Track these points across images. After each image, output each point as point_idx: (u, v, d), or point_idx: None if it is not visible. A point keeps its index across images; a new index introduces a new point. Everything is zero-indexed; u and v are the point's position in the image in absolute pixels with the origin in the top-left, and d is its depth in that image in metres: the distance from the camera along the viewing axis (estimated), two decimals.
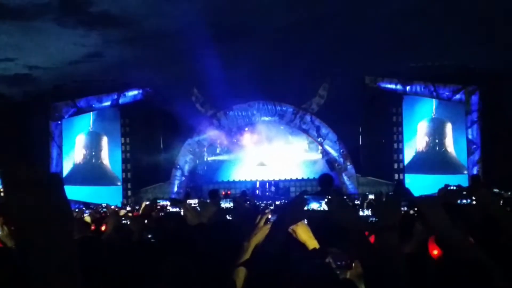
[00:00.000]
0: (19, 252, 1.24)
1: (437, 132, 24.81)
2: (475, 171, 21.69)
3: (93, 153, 26.36)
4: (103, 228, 6.69)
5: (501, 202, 4.14)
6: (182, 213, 5.35)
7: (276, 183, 25.93)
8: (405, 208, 4.30)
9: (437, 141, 24.86)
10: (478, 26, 16.49)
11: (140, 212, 8.62)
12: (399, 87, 23.54)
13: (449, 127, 24.69)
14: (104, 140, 26.45)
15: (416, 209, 2.89)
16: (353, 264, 2.95)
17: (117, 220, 6.06)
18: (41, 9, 16.46)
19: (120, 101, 24.53)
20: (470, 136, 22.44)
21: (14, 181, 1.22)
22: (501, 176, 18.31)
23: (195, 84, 24.67)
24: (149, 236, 4.58)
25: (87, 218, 7.95)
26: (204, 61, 18.68)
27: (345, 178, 24.78)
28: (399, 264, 2.52)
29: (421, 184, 21.05)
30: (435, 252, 3.12)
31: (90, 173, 25.96)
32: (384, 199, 2.92)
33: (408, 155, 24.85)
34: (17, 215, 1.20)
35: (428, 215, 2.57)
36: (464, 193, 3.37)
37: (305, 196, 3.34)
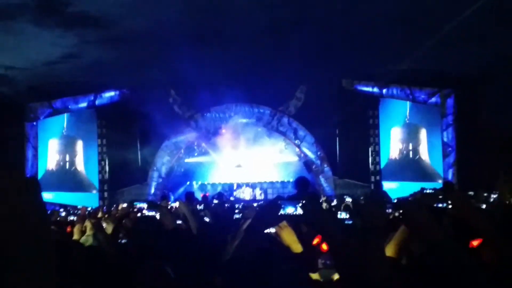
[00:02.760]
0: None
1: (410, 138, 24.72)
2: (450, 174, 21.96)
3: (67, 159, 25.65)
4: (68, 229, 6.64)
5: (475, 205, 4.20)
6: (158, 217, 5.33)
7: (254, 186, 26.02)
8: (390, 210, 4.35)
9: (410, 148, 24.73)
10: (453, 31, 16.66)
11: (117, 214, 8.57)
12: (375, 90, 23.75)
13: (423, 133, 24.60)
14: (79, 145, 25.81)
15: (401, 211, 2.93)
16: None
17: (84, 225, 6.04)
18: (17, 9, 16.23)
19: (97, 102, 24.39)
20: (445, 139, 22.69)
21: None
22: (475, 178, 18.55)
23: (172, 86, 24.65)
24: (124, 241, 4.57)
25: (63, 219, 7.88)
26: (182, 63, 18.61)
27: (322, 180, 24.90)
28: (384, 266, 2.55)
29: (394, 191, 21.04)
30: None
31: (63, 180, 25.21)
32: (366, 201, 2.97)
33: (383, 161, 24.90)
34: None
35: (414, 217, 2.60)
36: (440, 197, 3.42)
37: (279, 201, 3.37)
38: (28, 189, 1.24)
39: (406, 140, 24.79)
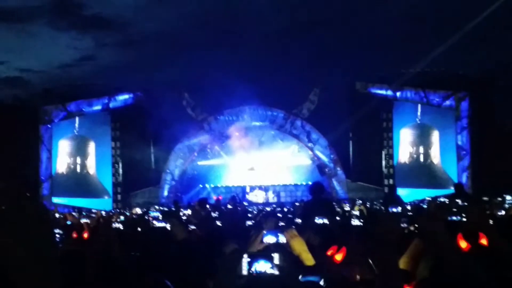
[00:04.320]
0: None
1: (422, 141, 24.10)
2: (464, 177, 21.78)
3: (78, 162, 25.39)
4: (85, 235, 6.62)
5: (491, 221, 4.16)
6: (168, 228, 5.31)
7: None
8: (405, 225, 4.32)
9: (421, 151, 24.07)
10: (468, 33, 16.57)
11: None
12: (389, 93, 23.60)
13: (435, 135, 23.93)
14: (91, 146, 25.50)
15: (416, 225, 2.91)
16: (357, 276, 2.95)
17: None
18: (34, 12, 16.41)
19: (111, 105, 24.42)
20: (459, 142, 22.51)
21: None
22: (490, 182, 18.40)
23: (186, 89, 24.65)
24: (133, 253, 4.57)
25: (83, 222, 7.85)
26: (195, 66, 18.67)
27: (335, 183, 24.82)
28: (397, 280, 2.54)
29: (404, 198, 20.34)
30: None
31: (74, 185, 24.90)
32: (381, 214, 2.95)
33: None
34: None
35: (430, 233, 2.58)
36: (454, 210, 3.39)
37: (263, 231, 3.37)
38: (35, 213, 1.24)
39: (417, 142, 24.20)
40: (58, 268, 1.27)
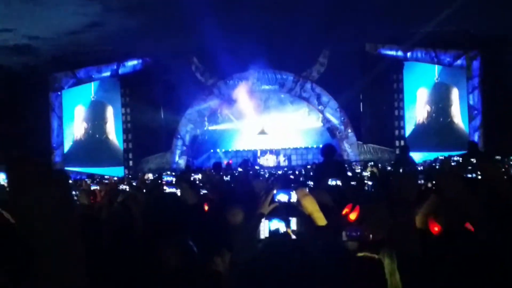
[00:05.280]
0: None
1: (440, 99, 23.67)
2: (476, 137, 21.67)
3: (96, 127, 25.47)
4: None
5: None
6: (179, 193, 5.31)
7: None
8: (422, 181, 4.31)
9: (441, 110, 23.60)
10: None
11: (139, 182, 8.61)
12: (399, 53, 23.42)
13: (455, 93, 23.38)
14: (109, 111, 25.48)
15: (434, 182, 2.90)
16: (370, 236, 2.94)
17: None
18: None
19: (120, 71, 24.42)
20: (471, 102, 22.36)
21: (19, 179, 1.20)
22: (502, 142, 18.34)
23: (195, 53, 24.57)
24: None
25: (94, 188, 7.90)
26: (204, 30, 18.54)
27: (346, 145, 24.81)
28: (414, 240, 2.54)
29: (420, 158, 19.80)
30: (436, 229, 3.14)
31: (93, 151, 24.93)
32: (397, 173, 2.93)
33: (408, 128, 24.18)
34: (23, 213, 1.19)
35: (450, 190, 2.56)
36: (470, 168, 3.37)
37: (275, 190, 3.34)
38: (57, 181, 1.23)
39: (436, 101, 23.77)
40: (80, 233, 1.26)
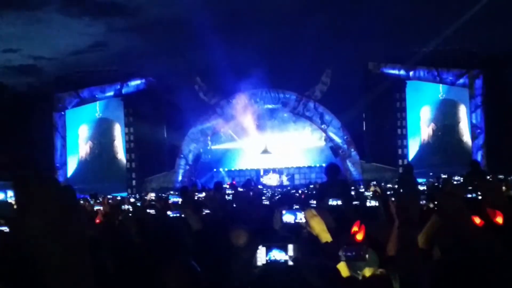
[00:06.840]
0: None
1: (446, 117, 23.62)
2: (479, 156, 21.63)
3: (104, 146, 25.50)
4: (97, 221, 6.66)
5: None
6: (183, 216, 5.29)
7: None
8: (424, 202, 4.31)
9: (447, 128, 23.53)
10: (481, 10, 16.41)
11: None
12: (402, 72, 23.46)
13: (463, 110, 23.14)
14: (117, 129, 25.41)
15: (436, 203, 2.90)
16: (367, 255, 2.94)
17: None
18: None
19: (123, 91, 24.49)
20: (474, 121, 22.36)
21: (26, 195, 1.20)
22: (505, 160, 18.30)
23: (198, 73, 24.66)
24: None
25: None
26: (207, 50, 18.68)
27: (349, 164, 24.76)
28: (417, 259, 2.54)
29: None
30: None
31: (100, 171, 24.83)
32: (400, 193, 2.93)
33: (412, 146, 24.12)
34: (31, 229, 1.20)
35: (450, 210, 2.57)
36: (470, 188, 3.37)
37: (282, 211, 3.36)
38: (62, 197, 1.24)
39: (441, 119, 23.59)
40: (88, 255, 1.27)
